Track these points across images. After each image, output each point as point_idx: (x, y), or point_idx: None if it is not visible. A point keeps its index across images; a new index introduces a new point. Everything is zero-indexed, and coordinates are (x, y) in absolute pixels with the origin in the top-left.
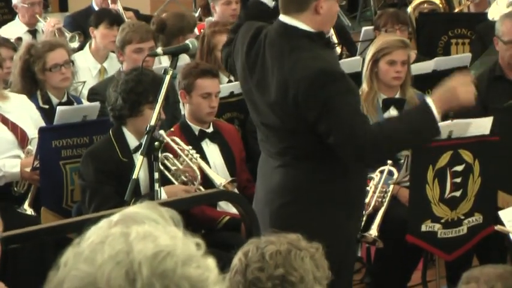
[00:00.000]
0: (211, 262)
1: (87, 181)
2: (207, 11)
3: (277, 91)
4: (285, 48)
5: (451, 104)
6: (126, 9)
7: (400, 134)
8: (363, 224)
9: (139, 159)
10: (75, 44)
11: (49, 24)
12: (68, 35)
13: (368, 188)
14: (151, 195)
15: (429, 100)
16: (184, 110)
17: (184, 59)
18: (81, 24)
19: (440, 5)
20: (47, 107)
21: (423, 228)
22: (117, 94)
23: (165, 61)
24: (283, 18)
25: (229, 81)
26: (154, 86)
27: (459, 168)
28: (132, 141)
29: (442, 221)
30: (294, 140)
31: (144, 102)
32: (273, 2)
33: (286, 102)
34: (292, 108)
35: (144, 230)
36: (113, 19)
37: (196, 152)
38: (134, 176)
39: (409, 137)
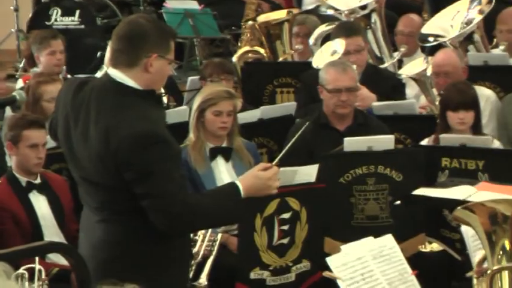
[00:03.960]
0: None
1: None
2: (32, 62)
3: (98, 145)
4: (112, 104)
5: (259, 192)
6: None
7: (214, 211)
8: (192, 273)
9: None
10: None
11: None
12: None
13: (196, 237)
14: None
15: (239, 184)
16: (11, 161)
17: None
18: None
19: (265, 54)
20: None
21: (252, 275)
22: None
23: None
24: (112, 71)
25: None
26: None
27: (286, 215)
28: None
29: (271, 268)
30: (112, 195)
31: None
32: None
33: (106, 157)
34: (111, 164)
35: None
36: None
37: (23, 204)
38: None
39: (222, 215)
